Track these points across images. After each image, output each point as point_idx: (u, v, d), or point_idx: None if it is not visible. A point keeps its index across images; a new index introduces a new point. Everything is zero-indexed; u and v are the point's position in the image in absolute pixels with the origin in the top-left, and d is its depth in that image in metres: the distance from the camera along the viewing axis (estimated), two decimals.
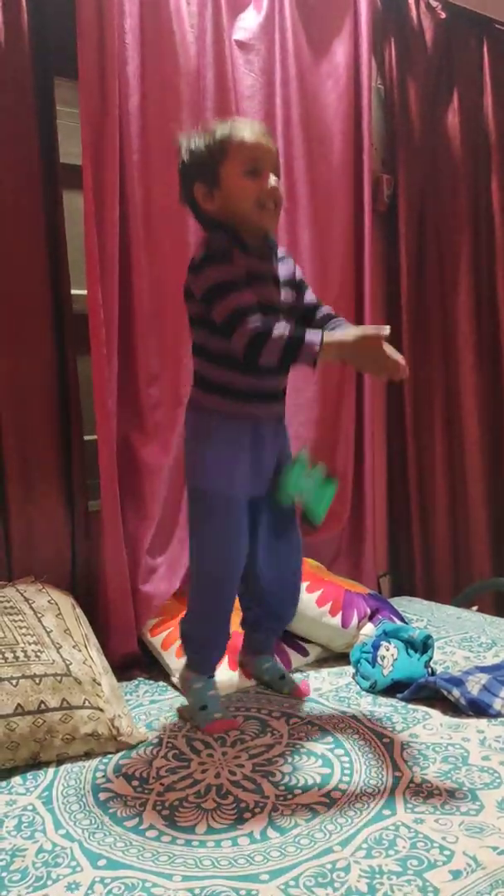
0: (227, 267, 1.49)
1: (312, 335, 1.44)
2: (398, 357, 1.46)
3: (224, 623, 1.70)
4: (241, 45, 2.18)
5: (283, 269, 1.63)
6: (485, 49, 2.83)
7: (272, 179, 1.52)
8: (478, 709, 1.66)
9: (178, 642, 1.89)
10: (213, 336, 1.55)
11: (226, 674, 1.84)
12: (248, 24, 2.19)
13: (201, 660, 1.72)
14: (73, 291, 1.97)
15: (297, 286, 1.67)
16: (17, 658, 1.56)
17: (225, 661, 1.85)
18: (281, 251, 1.67)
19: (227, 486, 1.60)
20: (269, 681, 1.83)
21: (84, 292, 1.88)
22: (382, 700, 1.76)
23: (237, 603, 1.78)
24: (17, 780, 1.46)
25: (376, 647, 1.88)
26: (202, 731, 1.62)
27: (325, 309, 1.69)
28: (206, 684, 1.70)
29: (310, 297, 1.69)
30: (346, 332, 1.51)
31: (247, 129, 1.53)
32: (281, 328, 1.45)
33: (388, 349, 1.45)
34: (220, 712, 1.66)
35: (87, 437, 2.00)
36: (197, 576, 1.69)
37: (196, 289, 1.53)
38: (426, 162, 2.72)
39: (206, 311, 1.53)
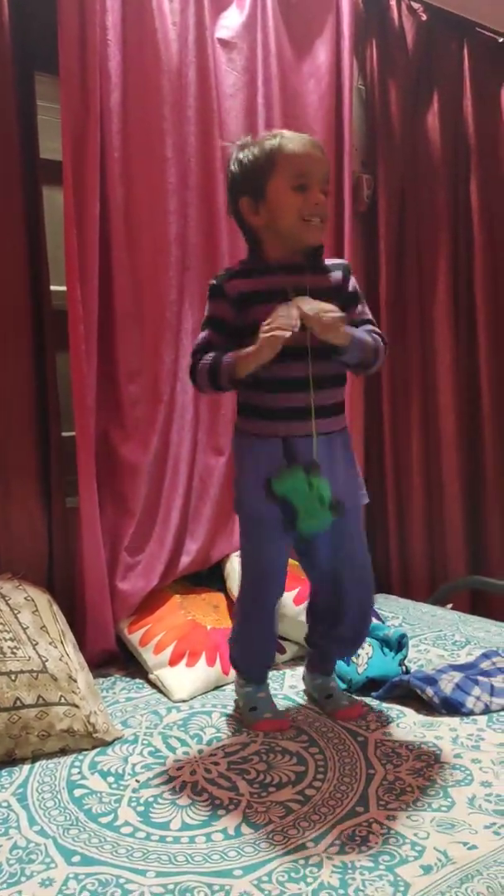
0: (211, 305, 1.59)
1: (230, 356, 1.51)
2: (284, 321, 1.43)
3: (262, 637, 1.73)
4: (224, 43, 2.18)
5: (318, 281, 1.58)
6: (465, 52, 2.85)
7: (318, 195, 1.52)
8: (450, 707, 1.68)
9: (156, 639, 1.91)
10: None
11: (202, 670, 1.85)
12: (230, 22, 2.19)
13: (245, 669, 1.74)
14: (53, 287, 1.96)
15: (342, 298, 1.58)
16: None
17: (202, 656, 1.86)
18: (331, 262, 1.64)
19: (256, 507, 1.60)
20: (317, 698, 1.76)
21: (63, 288, 1.87)
22: (357, 698, 1.77)
23: None
24: None
25: None
26: (252, 729, 1.64)
27: (360, 330, 1.57)
28: (254, 688, 1.71)
29: (358, 314, 1.62)
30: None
31: (296, 142, 1.52)
32: (208, 359, 1.54)
33: (276, 322, 1.43)
34: (270, 712, 1.67)
35: (65, 434, 1.99)
36: (239, 595, 1.75)
37: None
38: (406, 163, 2.74)
39: None
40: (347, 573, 1.67)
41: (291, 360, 1.51)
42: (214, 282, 1.59)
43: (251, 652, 1.74)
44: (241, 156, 1.55)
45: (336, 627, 1.72)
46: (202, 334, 1.60)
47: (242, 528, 1.69)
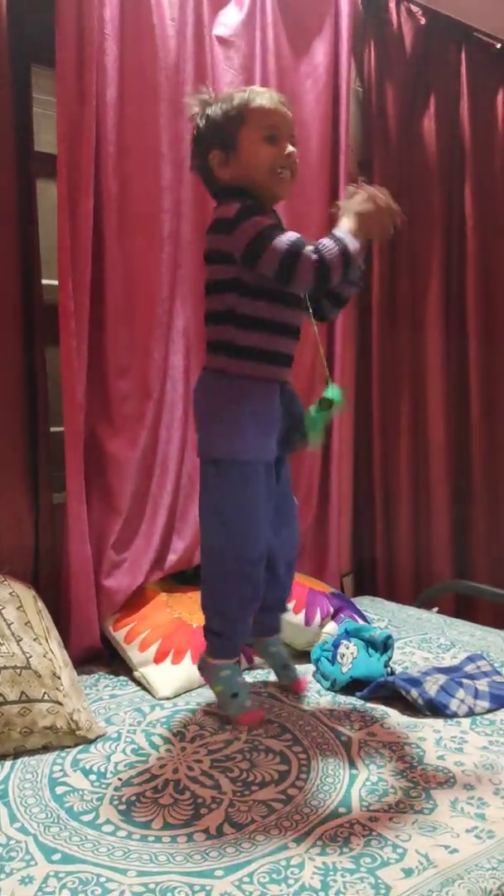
0: (266, 217, 1.50)
1: (351, 242, 1.45)
2: (389, 203, 1.46)
3: (254, 603, 1.66)
4: (222, 40, 2.17)
5: None
6: (462, 56, 2.86)
7: (289, 146, 1.54)
8: (434, 709, 1.68)
9: (141, 636, 1.90)
10: (245, 298, 1.52)
11: (187, 668, 1.84)
12: (229, 20, 2.19)
13: (227, 643, 1.66)
14: (45, 281, 1.95)
15: None
16: None
17: (188, 654, 1.86)
18: None
19: (262, 454, 1.57)
20: (273, 665, 1.84)
21: (55, 282, 1.86)
22: (342, 698, 1.78)
23: None
24: None
25: (336, 645, 1.89)
26: (234, 721, 1.62)
27: None
28: (234, 671, 1.67)
29: None
30: (345, 222, 1.49)
31: (265, 96, 1.55)
32: (329, 246, 1.44)
33: (380, 201, 1.46)
34: (249, 701, 1.67)
35: (53, 429, 1.98)
36: (223, 554, 1.61)
37: (234, 246, 1.48)
38: (401, 165, 2.74)
39: (245, 268, 1.49)
40: (284, 517, 1.72)
41: (290, 306, 1.57)
42: (248, 206, 1.49)
43: (242, 619, 1.66)
44: (209, 111, 1.56)
45: (288, 571, 1.78)
46: (286, 237, 1.45)
47: (233, 482, 1.56)
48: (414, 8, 2.72)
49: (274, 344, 1.57)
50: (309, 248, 1.45)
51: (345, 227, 1.48)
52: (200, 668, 1.71)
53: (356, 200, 1.50)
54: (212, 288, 1.58)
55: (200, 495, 1.66)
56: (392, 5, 2.66)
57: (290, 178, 1.57)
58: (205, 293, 1.60)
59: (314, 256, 1.44)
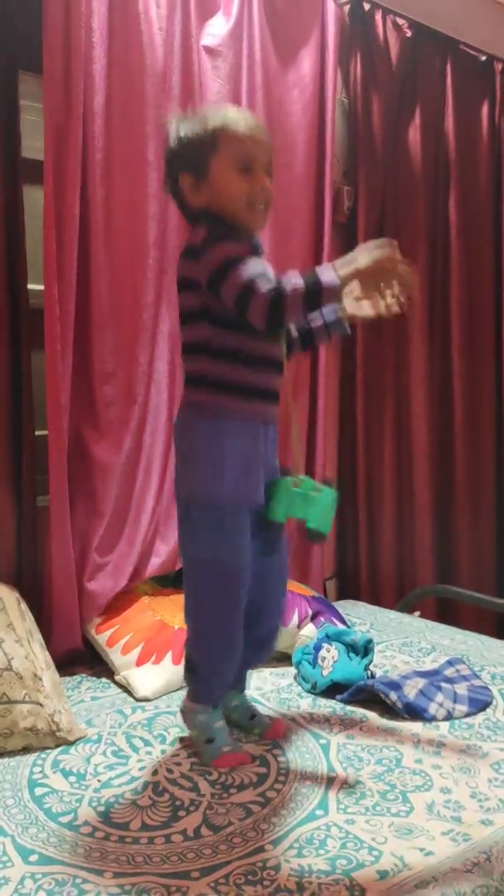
0: (234, 244, 1.39)
1: (326, 274, 1.31)
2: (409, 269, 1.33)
3: (234, 651, 1.54)
4: (209, 50, 2.19)
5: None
6: (448, 69, 2.89)
7: (264, 178, 1.43)
8: (414, 712, 1.70)
9: (124, 640, 1.91)
10: (217, 328, 1.43)
11: (168, 669, 1.85)
12: (216, 29, 2.21)
13: (206, 690, 1.56)
14: (30, 286, 1.96)
15: None
16: None
17: (168, 655, 1.86)
18: None
19: (243, 496, 1.46)
20: (238, 720, 1.64)
21: (41, 287, 1.87)
22: (322, 702, 1.79)
23: None
24: None
25: (318, 648, 1.91)
26: (212, 766, 1.49)
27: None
28: (211, 716, 1.54)
29: None
30: (354, 257, 1.33)
31: (241, 121, 1.43)
32: (292, 281, 1.32)
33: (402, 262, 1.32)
34: (228, 745, 1.52)
35: (38, 432, 1.99)
36: (203, 599, 1.52)
37: (200, 273, 1.39)
38: (386, 176, 2.77)
39: (212, 298, 1.39)
40: (276, 565, 1.61)
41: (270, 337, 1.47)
42: (218, 231, 1.39)
43: (221, 668, 1.55)
44: (181, 130, 1.44)
45: (255, 629, 1.58)
46: (244, 268, 1.33)
47: (212, 523, 1.46)
48: (400, 20, 2.75)
49: (253, 378, 1.46)
50: (266, 282, 1.33)
51: (340, 260, 1.33)
52: (181, 711, 1.61)
53: (376, 245, 1.33)
54: (185, 318, 1.49)
55: (180, 534, 1.57)
56: (378, 17, 2.69)
57: (265, 211, 1.46)
58: (180, 323, 1.52)
59: (269, 292, 1.31)
